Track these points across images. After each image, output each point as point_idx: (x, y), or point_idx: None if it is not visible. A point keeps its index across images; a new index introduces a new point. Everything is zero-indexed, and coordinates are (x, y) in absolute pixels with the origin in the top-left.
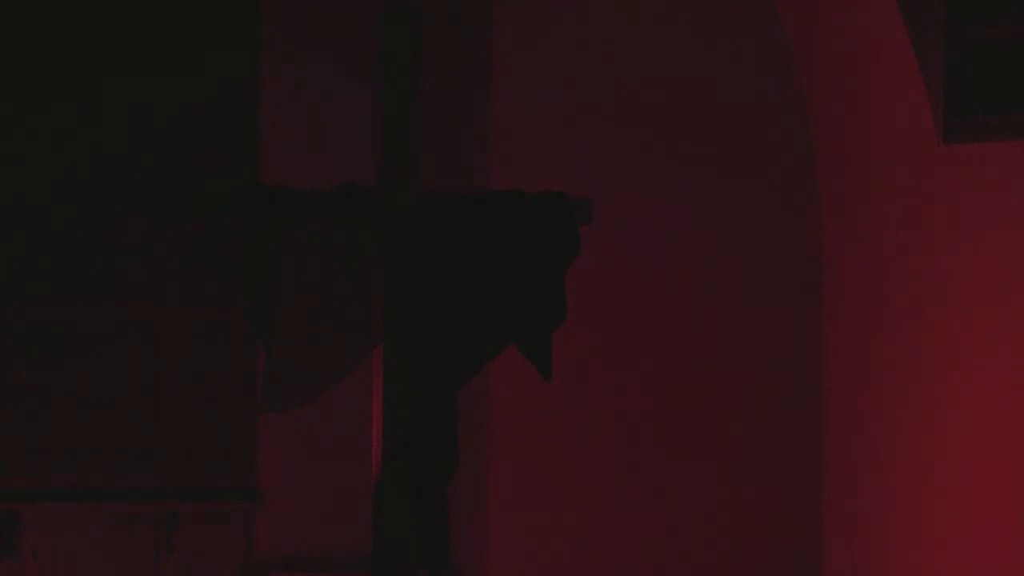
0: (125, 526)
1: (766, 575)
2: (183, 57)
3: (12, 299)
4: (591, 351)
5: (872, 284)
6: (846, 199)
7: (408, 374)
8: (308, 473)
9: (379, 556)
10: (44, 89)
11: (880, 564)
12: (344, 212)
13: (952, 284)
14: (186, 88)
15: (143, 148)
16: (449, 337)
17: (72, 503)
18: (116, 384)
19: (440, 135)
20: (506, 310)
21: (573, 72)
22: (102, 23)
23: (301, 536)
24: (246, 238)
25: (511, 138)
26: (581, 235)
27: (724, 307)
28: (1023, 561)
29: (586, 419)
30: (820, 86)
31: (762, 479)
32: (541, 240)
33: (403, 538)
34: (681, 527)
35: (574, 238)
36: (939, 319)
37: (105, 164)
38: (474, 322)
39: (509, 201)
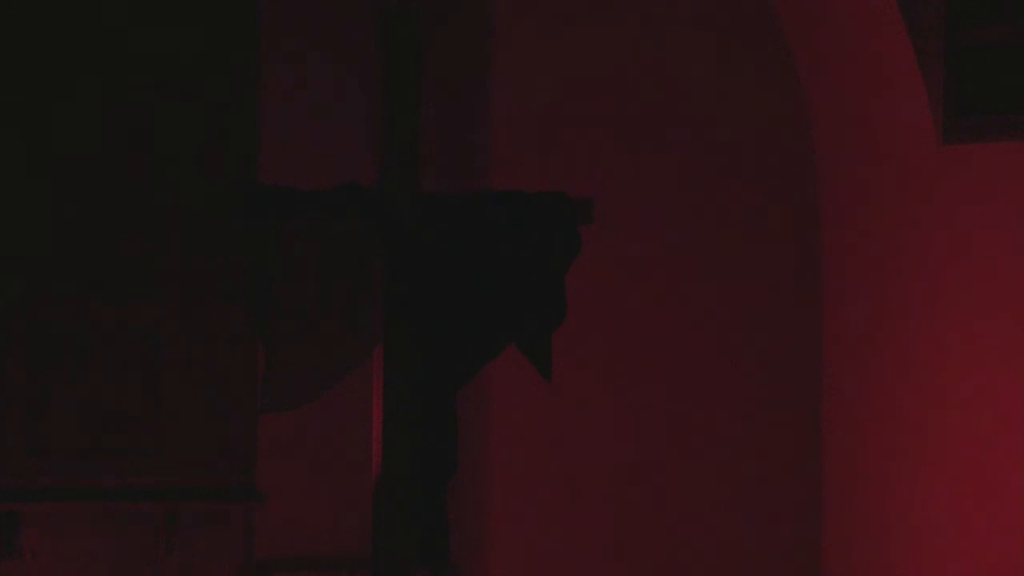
0: (125, 526)
1: (766, 575)
2: (183, 57)
3: (12, 299)
4: (591, 351)
5: (872, 284)
6: (846, 199)
7: (408, 374)
8: (308, 473)
9: (379, 556)
10: (44, 89)
11: (880, 564)
12: (344, 212)
13: (952, 284)
14: (186, 88)
15: (143, 148)
16: (449, 337)
17: (72, 503)
18: (116, 384)
19: (440, 135)
20: (506, 310)
21: (573, 72)
22: (102, 23)
23: (301, 536)
24: (246, 238)
25: (511, 138)
26: (581, 235)
27: (724, 307)
28: (1021, 561)
29: (586, 419)
30: (820, 86)
31: (762, 479)
32: (541, 240)
33: (403, 538)
34: (680, 527)
35: (574, 238)
36: (939, 319)
37: (105, 164)
38: (474, 322)
39: (509, 201)
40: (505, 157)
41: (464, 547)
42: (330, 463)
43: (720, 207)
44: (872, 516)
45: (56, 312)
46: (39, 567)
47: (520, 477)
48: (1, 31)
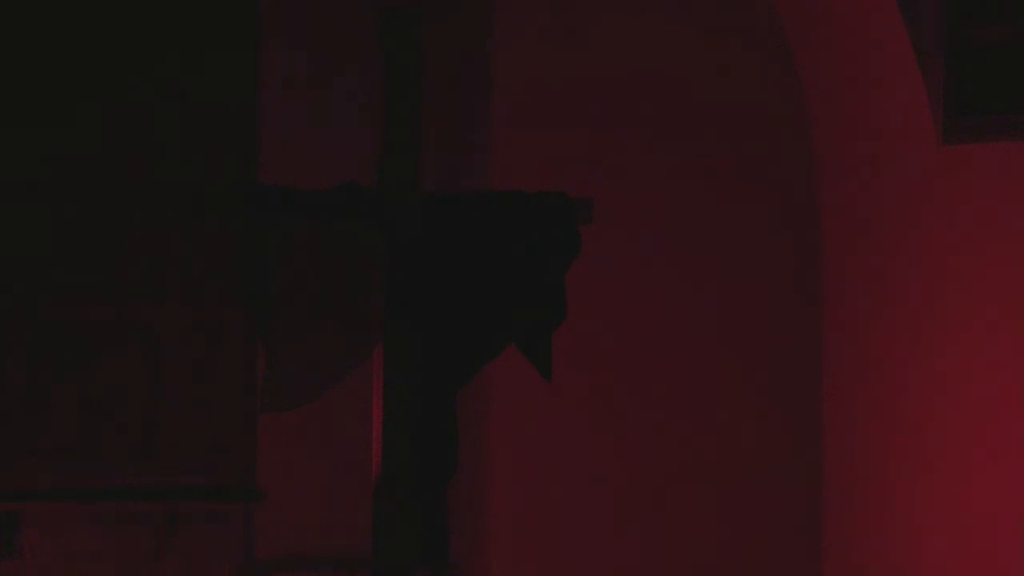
0: (125, 526)
1: (766, 575)
2: (183, 57)
3: (12, 299)
4: (591, 351)
5: (872, 284)
6: (846, 199)
7: (408, 374)
8: (308, 473)
9: (379, 556)
10: (43, 89)
11: (880, 564)
12: (344, 212)
13: (952, 284)
14: (186, 88)
15: (143, 148)
16: (449, 337)
17: (72, 503)
18: (116, 384)
19: (440, 135)
20: (506, 310)
21: (573, 72)
22: (102, 23)
23: (301, 536)
24: (246, 238)
25: (511, 138)
26: (581, 235)
27: (724, 307)
28: (1022, 560)
29: (586, 419)
30: (820, 86)
31: (762, 479)
32: (541, 240)
33: (403, 538)
34: (680, 527)
35: (574, 238)
36: (939, 319)
37: (105, 164)
38: (474, 322)
39: (509, 201)
40: (505, 157)
41: (464, 547)
42: (330, 463)
43: (720, 207)
44: (872, 516)
45: (56, 312)
46: (39, 567)
47: (520, 477)
48: (1, 31)
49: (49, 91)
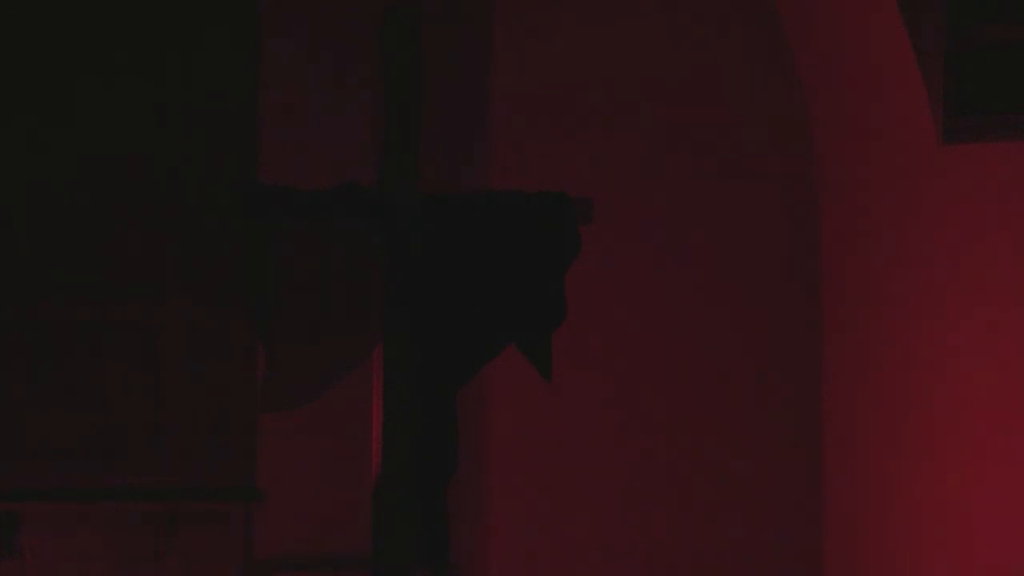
0: (125, 526)
1: (766, 575)
2: (183, 57)
3: (12, 299)
4: (591, 351)
5: (872, 284)
6: (846, 199)
7: (408, 374)
8: (308, 473)
9: (379, 556)
10: (43, 89)
11: (880, 564)
12: (344, 212)
13: (952, 283)
14: (186, 88)
15: (143, 148)
16: (449, 337)
17: (72, 503)
18: (116, 384)
19: (440, 135)
20: (506, 310)
21: (573, 72)
22: (102, 23)
23: (301, 536)
24: (246, 238)
25: (511, 138)
26: (581, 235)
27: (724, 307)
28: (1022, 561)
29: (586, 419)
30: (820, 86)
31: (762, 479)
32: (541, 240)
33: (403, 538)
34: (681, 527)
35: (574, 238)
36: (939, 319)
37: (105, 164)
38: (474, 322)
39: (509, 201)
40: (505, 157)
41: (464, 547)
42: (330, 463)
43: (720, 207)
44: (872, 516)
45: (56, 312)
46: (39, 567)
47: (520, 477)
48: (1, 31)
49: (49, 91)
